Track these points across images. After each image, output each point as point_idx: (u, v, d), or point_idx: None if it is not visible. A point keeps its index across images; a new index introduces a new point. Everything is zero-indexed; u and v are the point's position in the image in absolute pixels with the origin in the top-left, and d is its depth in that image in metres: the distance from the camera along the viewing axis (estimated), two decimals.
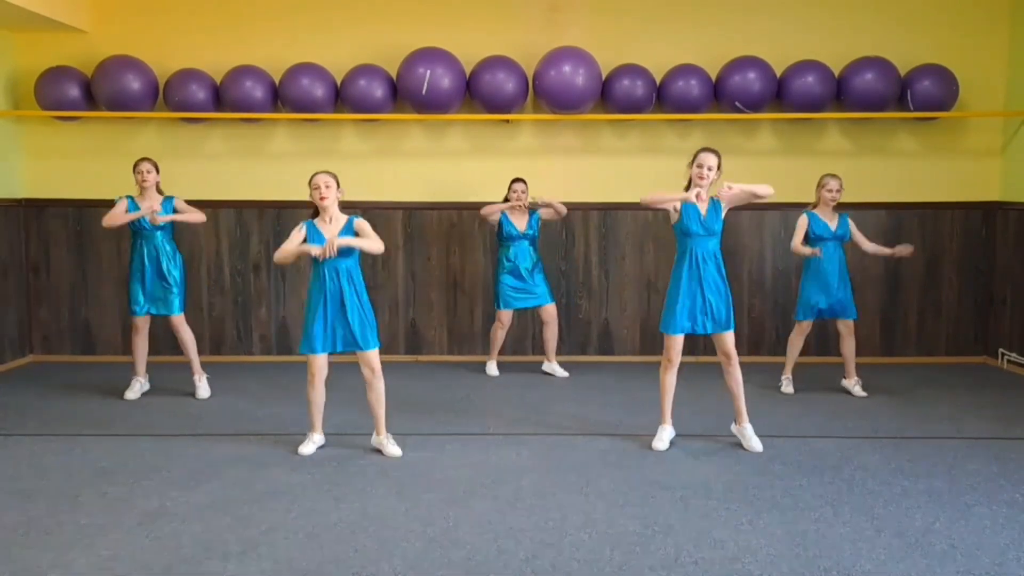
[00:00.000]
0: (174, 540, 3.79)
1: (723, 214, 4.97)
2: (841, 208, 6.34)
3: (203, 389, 6.23)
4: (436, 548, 3.72)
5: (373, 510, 4.13)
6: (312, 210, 4.90)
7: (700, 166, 4.90)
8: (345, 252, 4.76)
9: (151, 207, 5.96)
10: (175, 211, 6.05)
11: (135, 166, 6.04)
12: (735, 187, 4.82)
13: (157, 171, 6.06)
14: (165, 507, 4.16)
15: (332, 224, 4.82)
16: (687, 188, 5.02)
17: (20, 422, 5.61)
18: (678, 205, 4.93)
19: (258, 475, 4.60)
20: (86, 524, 3.96)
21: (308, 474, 4.62)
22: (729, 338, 5.02)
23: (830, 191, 6.18)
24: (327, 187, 4.75)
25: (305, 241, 4.76)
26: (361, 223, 4.86)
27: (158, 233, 6.03)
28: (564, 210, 6.80)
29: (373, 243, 4.76)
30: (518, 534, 3.86)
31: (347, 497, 4.29)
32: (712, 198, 4.99)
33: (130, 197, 6.03)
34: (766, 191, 4.87)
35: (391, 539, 3.80)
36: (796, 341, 6.41)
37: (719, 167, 4.92)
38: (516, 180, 6.76)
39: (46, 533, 3.86)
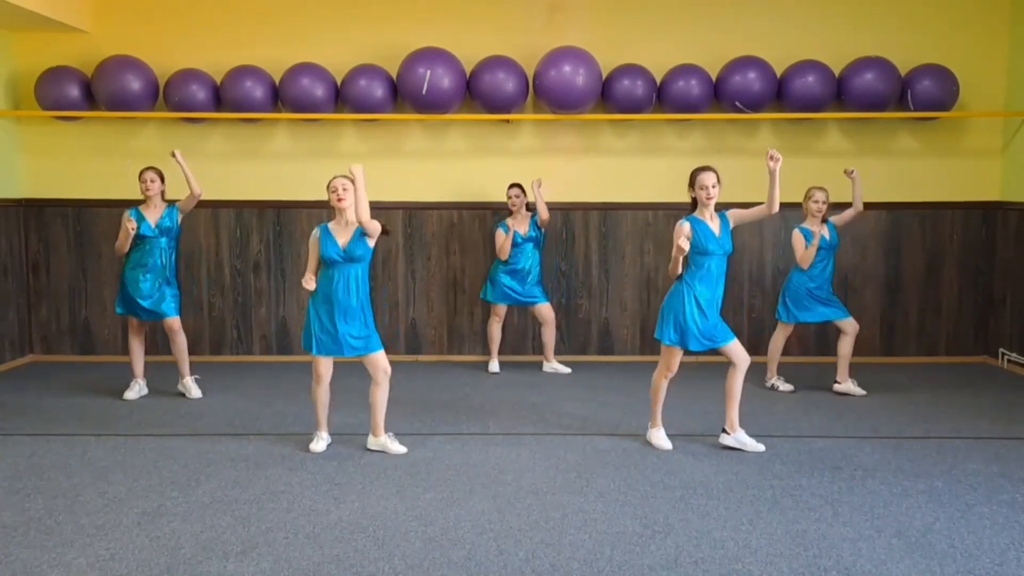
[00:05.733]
0: (173, 540, 3.79)
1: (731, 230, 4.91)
2: (837, 209, 6.32)
3: (195, 389, 6.21)
4: (436, 548, 3.71)
5: (373, 510, 4.13)
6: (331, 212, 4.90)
7: (703, 187, 4.83)
8: (356, 259, 4.81)
9: (134, 227, 5.82)
10: (179, 203, 5.99)
11: (140, 174, 6.00)
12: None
13: (162, 180, 6.03)
14: (164, 507, 4.16)
15: (347, 228, 4.85)
16: (693, 209, 4.93)
17: (20, 422, 5.60)
18: (689, 236, 4.81)
19: (258, 475, 4.60)
20: (85, 524, 3.96)
21: (308, 474, 4.62)
22: (736, 345, 5.03)
23: (816, 202, 6.13)
24: (344, 190, 4.80)
25: (319, 246, 4.81)
26: (373, 226, 4.84)
27: (162, 239, 6.00)
28: (546, 216, 6.77)
29: (365, 207, 4.65)
30: (518, 534, 3.86)
31: (347, 497, 4.29)
32: (720, 213, 4.91)
33: (135, 210, 5.96)
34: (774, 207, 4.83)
35: (391, 539, 3.80)
36: (779, 341, 6.39)
37: (719, 180, 4.87)
38: (512, 185, 6.80)
39: (45, 532, 3.86)
